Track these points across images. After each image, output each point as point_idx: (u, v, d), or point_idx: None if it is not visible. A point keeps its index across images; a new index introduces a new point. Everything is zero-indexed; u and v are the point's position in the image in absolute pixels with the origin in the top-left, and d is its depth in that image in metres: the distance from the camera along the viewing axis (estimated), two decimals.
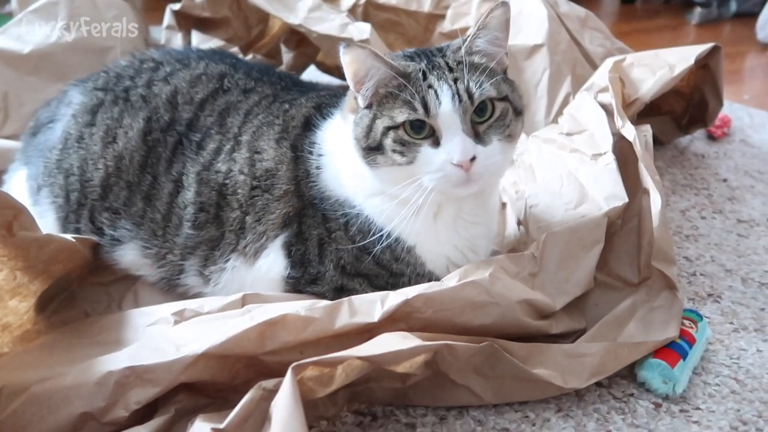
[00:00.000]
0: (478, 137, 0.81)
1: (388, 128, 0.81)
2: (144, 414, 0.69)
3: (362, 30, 1.49)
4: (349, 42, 0.80)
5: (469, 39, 0.84)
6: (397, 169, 0.82)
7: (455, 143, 0.79)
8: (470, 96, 0.80)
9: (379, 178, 0.85)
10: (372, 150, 0.83)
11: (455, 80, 0.80)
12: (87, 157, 0.99)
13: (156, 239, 0.96)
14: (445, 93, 0.79)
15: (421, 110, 0.80)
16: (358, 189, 0.88)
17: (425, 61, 0.83)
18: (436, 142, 0.81)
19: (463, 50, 0.83)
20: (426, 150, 0.81)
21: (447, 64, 0.83)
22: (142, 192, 0.97)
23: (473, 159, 0.79)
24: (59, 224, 1.01)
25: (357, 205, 0.88)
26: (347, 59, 0.80)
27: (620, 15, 2.80)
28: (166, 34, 1.67)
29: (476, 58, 0.84)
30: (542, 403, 0.83)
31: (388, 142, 0.81)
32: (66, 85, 1.12)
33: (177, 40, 1.66)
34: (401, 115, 0.80)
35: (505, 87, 0.85)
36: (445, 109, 0.79)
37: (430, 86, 0.80)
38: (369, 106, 0.84)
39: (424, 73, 0.81)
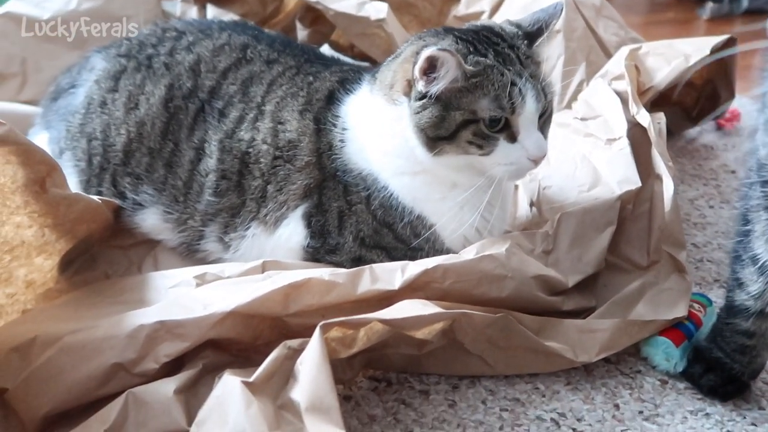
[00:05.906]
0: (541, 133, 0.86)
1: (468, 122, 0.83)
2: (172, 367, 0.71)
3: (379, 9, 1.49)
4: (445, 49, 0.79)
5: (537, 43, 0.88)
6: (464, 158, 0.85)
7: (533, 140, 0.84)
8: (546, 95, 0.84)
9: (439, 164, 0.86)
10: (441, 140, 0.84)
11: (532, 76, 0.84)
12: (109, 122, 1.01)
13: (177, 205, 0.97)
14: (530, 93, 0.82)
15: (508, 109, 0.82)
16: (387, 167, 0.90)
17: (492, 52, 0.84)
18: (512, 137, 0.84)
19: (528, 48, 0.87)
20: (503, 143, 0.84)
21: (518, 57, 0.85)
22: (164, 158, 0.98)
23: None
24: (81, 187, 1.02)
25: (382, 180, 0.90)
26: (432, 53, 0.78)
27: (631, 7, 2.80)
28: (182, 7, 1.66)
29: (536, 56, 0.88)
30: (552, 375, 0.86)
31: (466, 134, 0.83)
32: (88, 52, 1.13)
33: (192, 14, 1.66)
34: (484, 112, 0.82)
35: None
36: (529, 108, 0.83)
37: (513, 84, 0.81)
38: (436, 97, 0.82)
39: (500, 69, 0.82)
